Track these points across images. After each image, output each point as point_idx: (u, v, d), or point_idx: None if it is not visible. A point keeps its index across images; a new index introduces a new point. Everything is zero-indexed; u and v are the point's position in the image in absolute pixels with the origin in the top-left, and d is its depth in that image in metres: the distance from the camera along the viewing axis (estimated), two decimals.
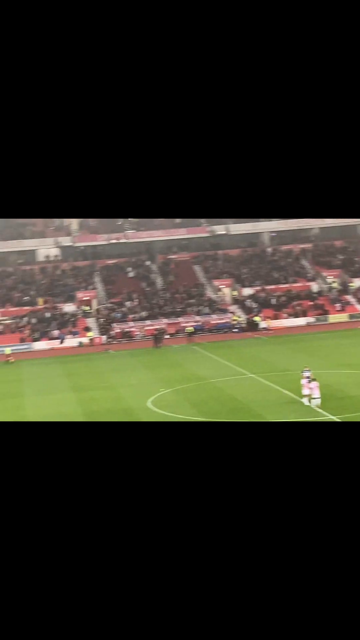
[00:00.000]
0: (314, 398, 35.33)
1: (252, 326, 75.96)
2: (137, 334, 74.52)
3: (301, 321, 77.50)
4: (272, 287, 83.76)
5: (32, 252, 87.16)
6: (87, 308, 78.65)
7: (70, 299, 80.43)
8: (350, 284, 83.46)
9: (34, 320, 76.05)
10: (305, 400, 35.89)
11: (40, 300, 79.61)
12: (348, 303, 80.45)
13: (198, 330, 74.07)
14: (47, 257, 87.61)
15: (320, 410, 34.60)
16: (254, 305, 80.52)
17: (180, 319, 77.00)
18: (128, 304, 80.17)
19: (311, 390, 35.53)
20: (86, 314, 77.93)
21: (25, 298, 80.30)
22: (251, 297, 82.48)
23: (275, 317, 78.05)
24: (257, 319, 77.02)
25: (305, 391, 35.92)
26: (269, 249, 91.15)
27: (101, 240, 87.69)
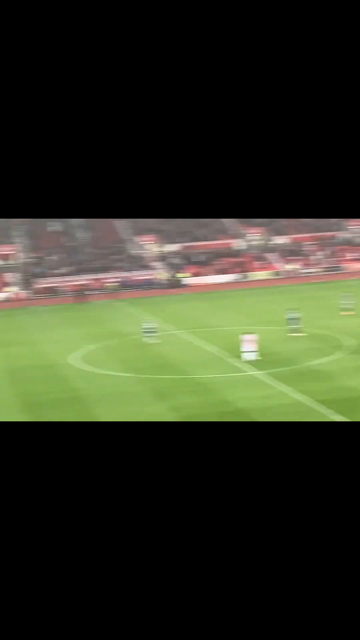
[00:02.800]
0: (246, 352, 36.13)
1: (176, 283, 76.20)
2: (60, 290, 73.79)
3: (224, 278, 78.20)
4: (196, 244, 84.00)
5: None
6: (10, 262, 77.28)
7: None
8: (272, 242, 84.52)
9: None
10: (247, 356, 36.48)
11: None
12: (270, 261, 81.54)
13: (122, 286, 73.88)
14: None
15: (250, 366, 35.27)
16: (178, 262, 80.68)
17: (104, 275, 76.59)
18: (53, 258, 79.13)
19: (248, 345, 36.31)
20: (7, 269, 76.56)
21: None
22: (175, 253, 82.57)
23: (199, 274, 78.49)
24: (180, 275, 77.28)
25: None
26: None
27: None
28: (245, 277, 78.18)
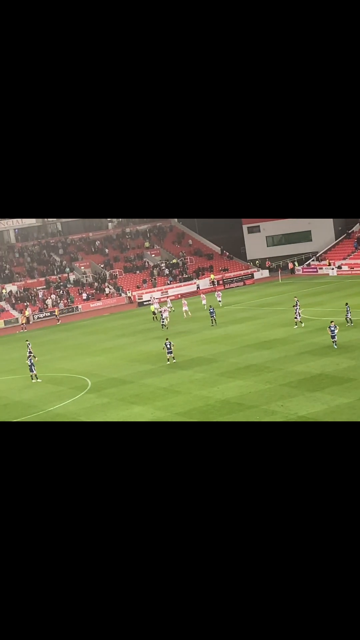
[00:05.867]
0: None
1: None
2: None
3: None
4: None
5: None
6: None
7: None
8: (3, 290, 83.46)
9: None
10: None
11: None
12: (2, 309, 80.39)
13: None
14: None
15: None
16: None
17: None
18: None
19: None
20: None
21: None
22: None
23: None
24: None
25: None
26: None
27: None
28: None
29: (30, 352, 47.04)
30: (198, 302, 66.87)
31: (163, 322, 56.85)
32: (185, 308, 61.27)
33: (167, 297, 77.57)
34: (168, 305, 60.60)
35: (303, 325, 46.96)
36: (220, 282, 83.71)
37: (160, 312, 60.09)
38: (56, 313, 75.85)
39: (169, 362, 41.81)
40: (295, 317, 47.62)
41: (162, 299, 74.24)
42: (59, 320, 74.35)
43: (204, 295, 66.88)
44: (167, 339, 43.17)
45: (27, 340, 53.71)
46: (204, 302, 64.56)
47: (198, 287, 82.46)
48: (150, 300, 72.66)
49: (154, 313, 63.13)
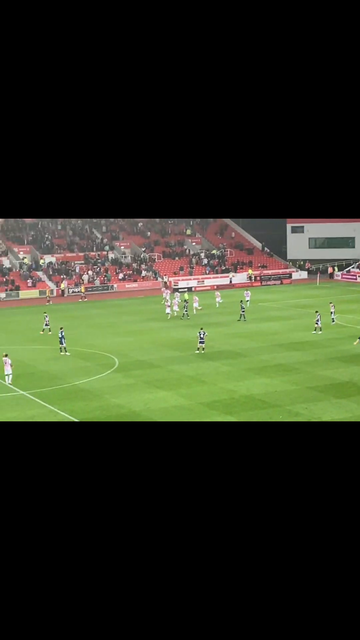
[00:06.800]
0: (7, 375, 35.13)
1: None
2: None
3: None
4: None
5: None
6: None
7: None
8: (41, 260, 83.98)
9: None
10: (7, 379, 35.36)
11: None
12: (39, 279, 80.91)
13: None
14: None
15: (12, 387, 34.62)
16: None
17: None
18: None
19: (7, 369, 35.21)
20: None
21: None
22: None
23: None
24: None
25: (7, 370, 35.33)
26: None
27: None
28: (10, 295, 76.93)
29: (46, 324, 50.01)
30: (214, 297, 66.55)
31: (168, 313, 57.47)
32: (195, 304, 60.29)
33: (179, 289, 76.70)
34: (176, 299, 60.29)
35: (321, 332, 46.68)
36: (258, 278, 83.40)
37: (166, 303, 59.84)
38: (82, 290, 76.14)
39: (197, 352, 41.83)
40: (316, 323, 47.42)
41: (172, 290, 73.05)
42: (85, 297, 74.65)
43: (218, 293, 66.01)
44: (201, 328, 43.20)
45: (44, 313, 54.31)
46: (218, 299, 63.78)
47: (230, 281, 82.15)
48: (170, 290, 70.94)
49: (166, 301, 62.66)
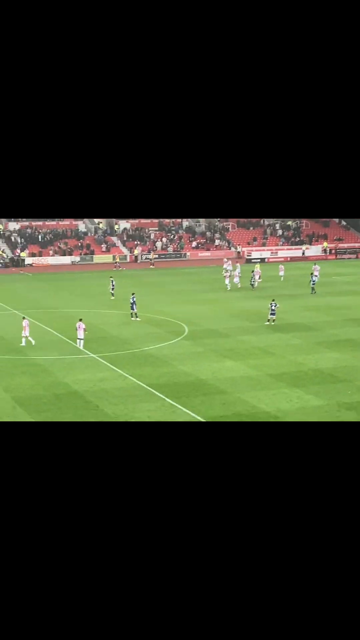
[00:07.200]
0: (79, 339, 35.72)
1: (17, 262, 74.63)
2: None
3: (67, 259, 77.46)
4: (39, 223, 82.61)
5: None
6: None
7: None
8: (116, 226, 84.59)
9: None
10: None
11: None
12: (114, 244, 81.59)
13: None
14: None
15: (83, 350, 35.22)
16: (20, 240, 78.99)
17: None
18: None
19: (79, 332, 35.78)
20: None
21: None
22: (17, 232, 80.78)
23: (41, 254, 77.27)
24: (22, 254, 75.71)
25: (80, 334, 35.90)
26: None
27: None
28: (85, 259, 77.84)
29: (112, 287, 51.38)
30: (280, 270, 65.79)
31: (227, 284, 56.94)
32: (256, 277, 59.41)
33: (252, 259, 76.02)
34: (237, 271, 59.42)
35: None
36: (333, 251, 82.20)
37: (226, 276, 58.86)
38: (151, 257, 76.39)
39: (267, 323, 41.65)
40: None
41: (235, 261, 72.44)
42: (152, 264, 74.89)
43: (282, 266, 65.03)
44: (273, 300, 42.94)
45: (111, 277, 54.77)
46: (281, 272, 62.88)
47: (303, 253, 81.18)
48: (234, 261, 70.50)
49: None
